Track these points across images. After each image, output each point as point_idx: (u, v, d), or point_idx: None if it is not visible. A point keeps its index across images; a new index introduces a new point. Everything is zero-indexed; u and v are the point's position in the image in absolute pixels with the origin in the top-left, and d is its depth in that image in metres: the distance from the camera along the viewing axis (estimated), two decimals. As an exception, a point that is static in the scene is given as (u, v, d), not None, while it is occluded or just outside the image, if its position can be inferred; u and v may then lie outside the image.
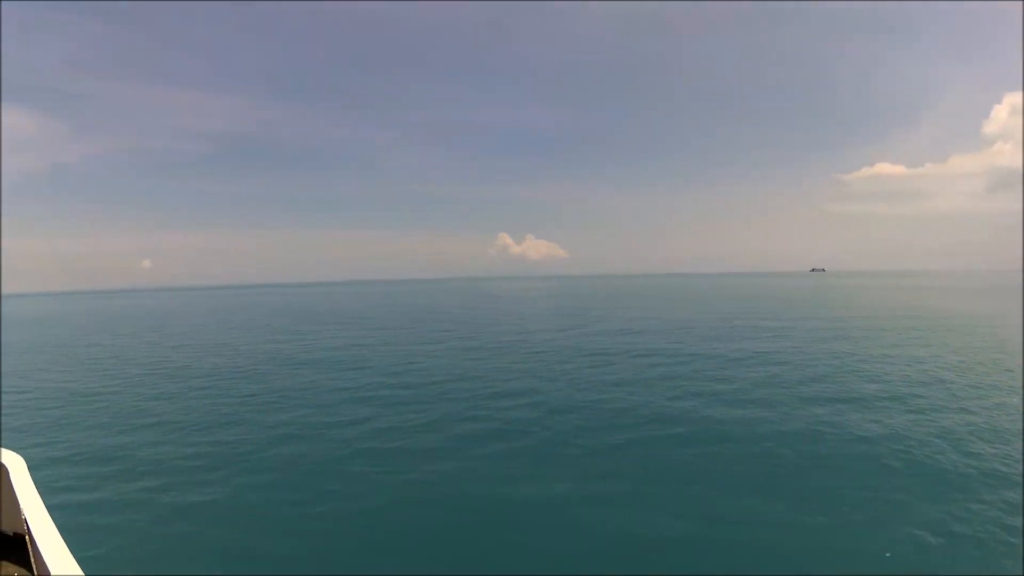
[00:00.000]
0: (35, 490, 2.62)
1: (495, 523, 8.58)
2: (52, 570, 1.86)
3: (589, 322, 41.90)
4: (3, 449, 3.05)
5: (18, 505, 2.54)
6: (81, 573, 1.84)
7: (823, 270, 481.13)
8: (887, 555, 7.11)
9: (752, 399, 15.46)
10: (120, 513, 9.37)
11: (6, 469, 2.87)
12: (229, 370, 24.30)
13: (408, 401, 16.79)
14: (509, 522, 8.59)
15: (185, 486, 10.47)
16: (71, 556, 1.91)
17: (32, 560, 2.30)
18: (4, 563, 2.96)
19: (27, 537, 2.40)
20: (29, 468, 2.96)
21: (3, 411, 17.38)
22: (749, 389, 16.74)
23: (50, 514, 2.31)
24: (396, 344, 31.42)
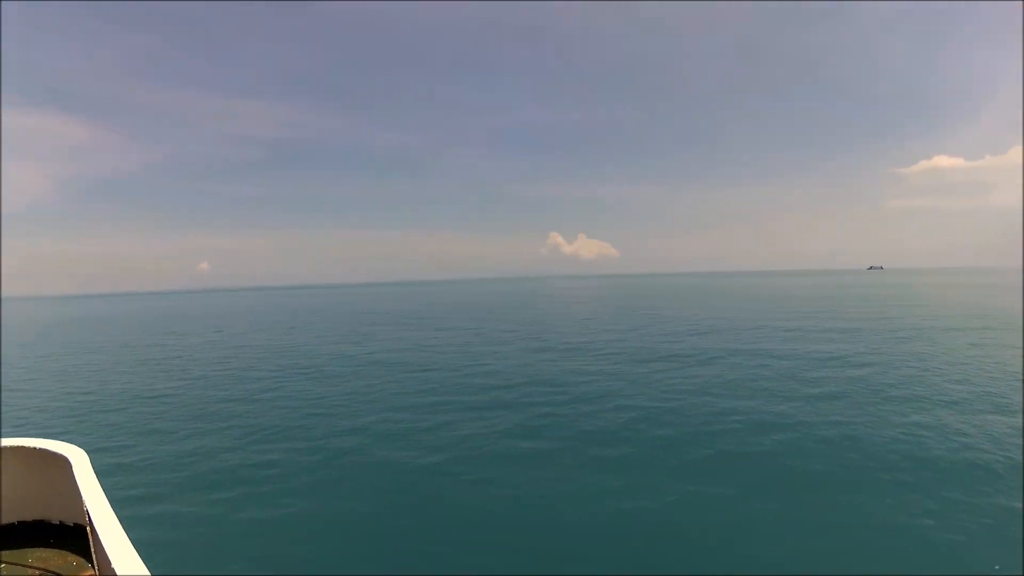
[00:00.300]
0: (97, 483, 2.63)
1: (624, 539, 7.79)
2: (112, 560, 1.88)
3: (655, 322, 40.42)
4: (66, 444, 3.10)
5: (80, 497, 2.57)
6: (140, 563, 1.82)
7: (881, 267, 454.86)
8: (996, 567, 6.65)
9: (847, 404, 14.62)
10: (181, 509, 9.27)
11: (69, 462, 2.89)
12: (295, 370, 24.06)
13: (486, 406, 15.81)
14: (630, 536, 7.87)
15: (251, 486, 10.23)
16: (131, 546, 1.93)
17: (92, 550, 2.45)
18: (66, 553, 3.01)
19: (88, 528, 2.42)
20: (91, 463, 2.93)
21: (69, 409, 17.92)
22: (840, 393, 15.82)
23: (111, 507, 2.32)
24: (461, 345, 30.67)
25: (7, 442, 3.16)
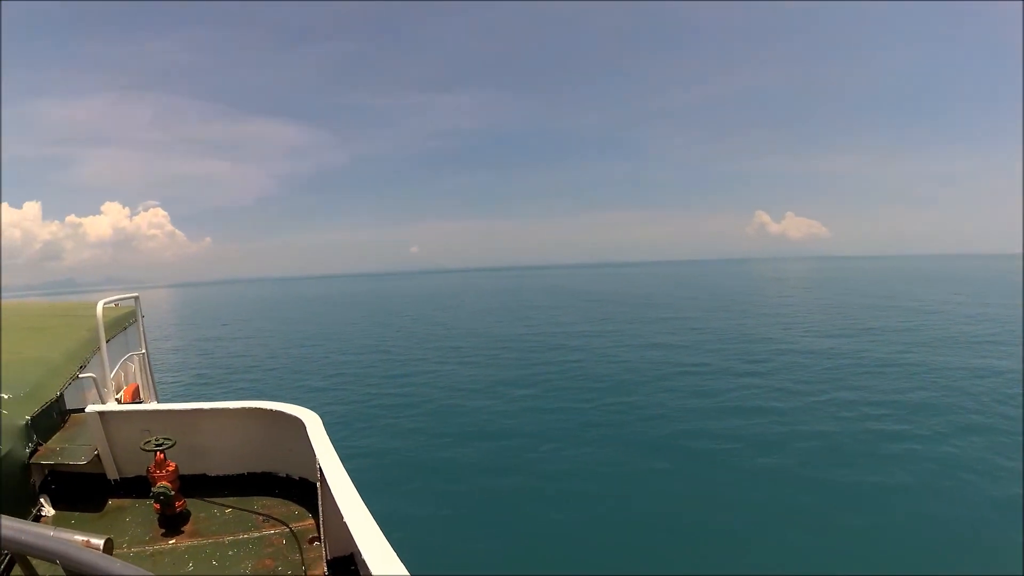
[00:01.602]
0: (328, 442, 2.78)
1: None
2: (342, 507, 2.00)
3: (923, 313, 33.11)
4: (301, 407, 3.31)
5: (309, 455, 2.78)
6: (366, 511, 1.95)
7: None
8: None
9: None
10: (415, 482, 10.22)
11: (303, 423, 3.09)
12: (535, 348, 24.44)
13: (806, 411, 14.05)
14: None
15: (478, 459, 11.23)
16: (361, 501, 2.05)
17: (319, 500, 2.63)
18: (288, 502, 3.37)
19: (318, 482, 2.60)
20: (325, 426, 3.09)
21: (306, 378, 20.38)
22: None
23: (342, 463, 2.49)
24: (716, 332, 28.14)
25: (248, 404, 3.50)
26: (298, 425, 3.16)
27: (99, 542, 1.26)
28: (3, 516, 1.24)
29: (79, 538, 1.26)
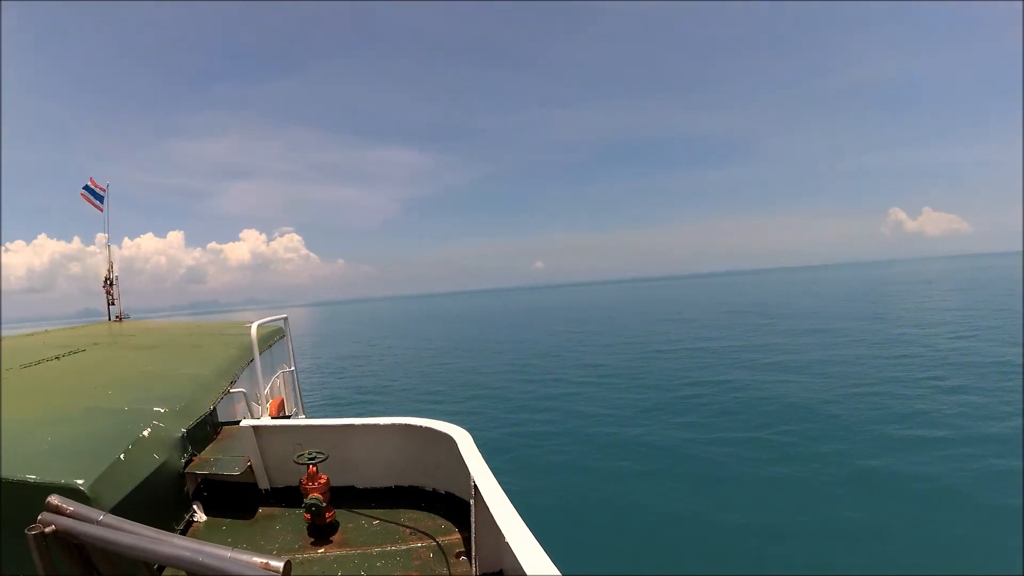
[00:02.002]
0: (481, 458, 2.81)
1: None
2: (504, 530, 1.98)
3: None
4: (451, 424, 3.38)
5: (460, 470, 2.85)
6: (530, 534, 1.92)
7: None
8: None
9: None
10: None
11: (453, 440, 3.14)
12: (684, 367, 23.08)
13: None
14: None
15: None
16: (520, 519, 2.04)
17: (473, 521, 2.63)
18: (435, 516, 3.40)
19: (472, 501, 2.62)
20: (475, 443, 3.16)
21: (447, 395, 20.26)
22: None
23: (496, 480, 2.50)
24: (886, 344, 25.04)
25: (398, 420, 3.60)
26: (448, 442, 3.21)
27: (279, 564, 1.26)
28: (177, 535, 1.26)
29: (258, 560, 1.26)
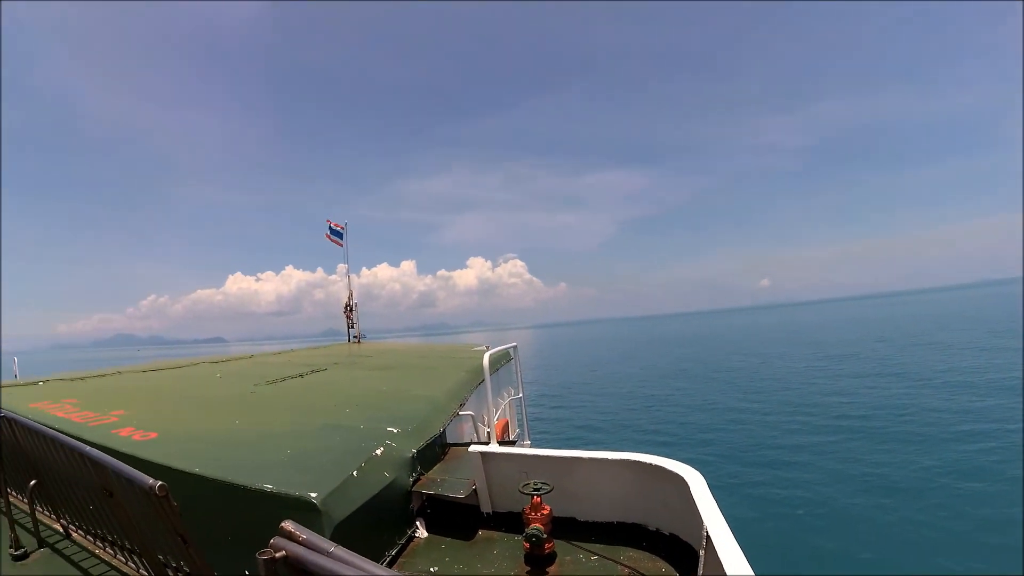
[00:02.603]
0: (714, 502, 2.68)
1: None
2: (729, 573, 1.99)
3: None
4: (683, 464, 3.25)
5: (690, 512, 2.76)
6: None
7: None
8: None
9: None
10: None
11: (684, 481, 3.01)
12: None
13: None
14: None
15: None
16: (747, 565, 2.00)
17: (701, 569, 2.56)
18: (656, 558, 3.18)
19: (703, 550, 2.52)
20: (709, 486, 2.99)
21: (672, 427, 18.37)
22: None
23: (728, 525, 2.41)
24: None
25: (627, 456, 3.48)
26: (678, 482, 3.10)
27: None
28: None
29: None
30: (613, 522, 3.60)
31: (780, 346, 51.38)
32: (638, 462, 3.41)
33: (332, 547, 1.54)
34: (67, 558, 3.21)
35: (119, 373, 8.04)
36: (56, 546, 3.37)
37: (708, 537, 2.38)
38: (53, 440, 2.79)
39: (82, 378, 7.38)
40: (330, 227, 16.24)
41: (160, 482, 1.97)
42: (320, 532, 2.66)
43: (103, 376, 7.66)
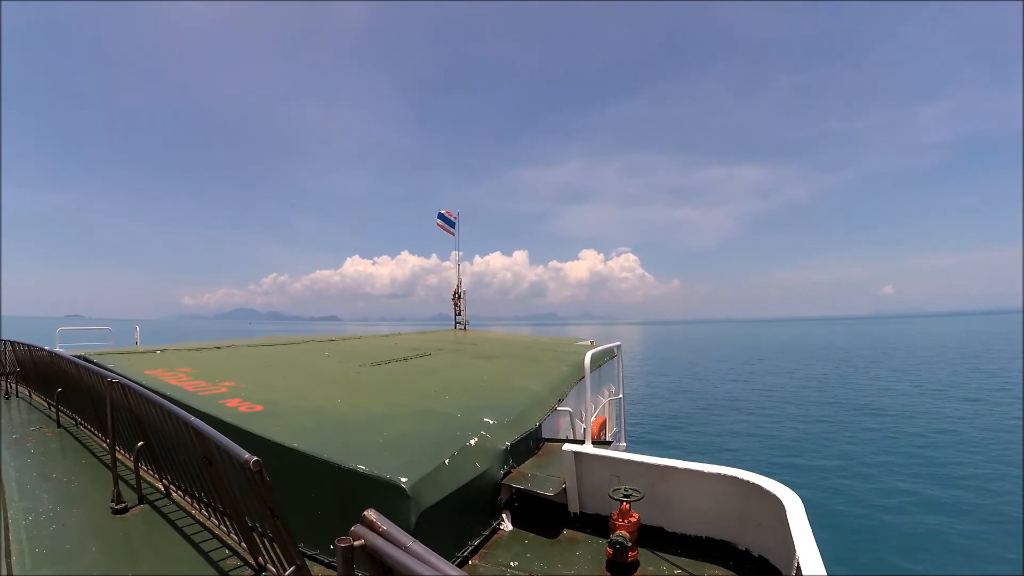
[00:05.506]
0: (810, 532, 2.53)
1: None
2: None
3: None
4: (781, 485, 3.12)
5: (790, 541, 2.55)
6: None
7: None
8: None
9: None
10: None
11: (781, 502, 2.90)
12: None
13: None
14: None
15: None
16: None
17: None
18: None
19: (794, 570, 2.37)
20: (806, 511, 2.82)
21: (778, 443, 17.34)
22: None
23: (820, 553, 2.30)
24: None
25: (724, 470, 3.34)
26: (774, 503, 2.98)
27: None
28: None
29: None
30: (702, 536, 3.49)
31: (908, 362, 45.83)
32: (736, 478, 3.29)
33: (411, 542, 1.55)
34: (164, 516, 3.41)
35: (233, 346, 8.79)
36: (156, 503, 3.61)
37: (798, 566, 2.28)
38: (160, 407, 3.00)
39: (198, 349, 8.12)
40: (443, 216, 16.70)
41: (255, 458, 2.05)
42: (407, 517, 2.80)
43: (218, 348, 8.40)
